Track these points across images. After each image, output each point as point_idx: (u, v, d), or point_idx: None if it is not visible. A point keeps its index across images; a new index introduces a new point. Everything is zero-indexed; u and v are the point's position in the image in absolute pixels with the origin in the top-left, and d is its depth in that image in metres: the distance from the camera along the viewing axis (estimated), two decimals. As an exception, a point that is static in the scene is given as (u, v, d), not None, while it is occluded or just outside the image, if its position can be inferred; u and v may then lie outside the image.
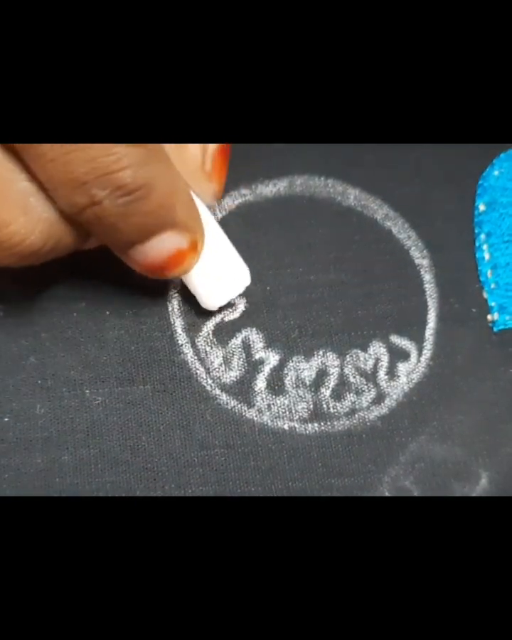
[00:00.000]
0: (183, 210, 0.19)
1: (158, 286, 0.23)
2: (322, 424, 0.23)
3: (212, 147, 0.22)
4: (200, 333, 0.23)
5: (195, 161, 0.21)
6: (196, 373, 0.23)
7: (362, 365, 0.24)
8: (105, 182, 0.17)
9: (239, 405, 0.23)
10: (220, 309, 0.23)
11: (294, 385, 0.23)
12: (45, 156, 0.17)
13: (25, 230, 0.18)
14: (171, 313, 0.23)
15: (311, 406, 0.23)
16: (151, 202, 0.18)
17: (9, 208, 0.18)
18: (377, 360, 0.24)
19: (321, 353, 0.24)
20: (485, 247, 0.25)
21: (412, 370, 0.24)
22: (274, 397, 0.23)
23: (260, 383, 0.23)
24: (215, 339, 0.23)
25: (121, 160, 0.17)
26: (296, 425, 0.23)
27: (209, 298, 0.22)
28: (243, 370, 0.23)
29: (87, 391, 0.23)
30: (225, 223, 0.23)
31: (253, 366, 0.23)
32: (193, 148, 0.21)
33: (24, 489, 0.22)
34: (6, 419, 0.22)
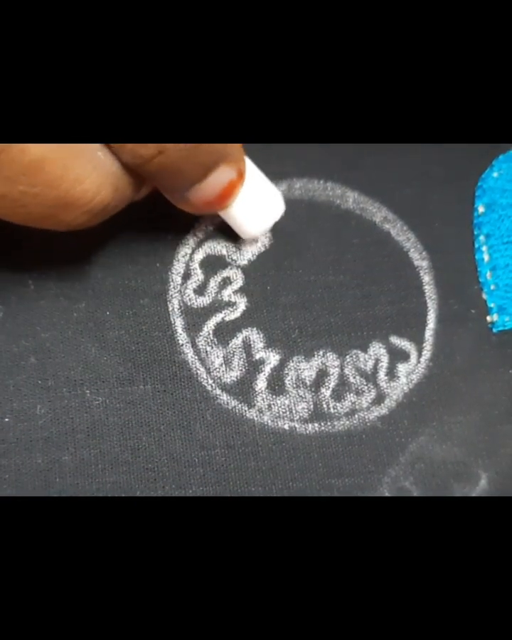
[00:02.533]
0: (230, 145, 0.20)
1: (159, 286, 0.23)
2: (322, 424, 0.23)
3: None
4: (201, 333, 0.23)
5: None
6: (197, 373, 0.23)
7: (362, 366, 0.24)
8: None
9: (239, 405, 0.23)
10: (221, 308, 0.23)
11: (295, 385, 0.23)
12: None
13: (97, 185, 0.18)
14: (171, 313, 0.23)
15: (312, 406, 0.23)
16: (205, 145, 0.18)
17: (82, 164, 0.17)
18: (377, 360, 0.24)
19: (321, 353, 0.24)
20: (484, 248, 0.25)
21: (411, 371, 0.24)
22: (274, 397, 0.23)
23: (261, 383, 0.23)
24: (215, 339, 0.23)
25: None
26: (297, 425, 0.23)
27: (251, 226, 0.23)
28: (244, 370, 0.23)
29: (88, 391, 0.22)
30: (226, 225, 0.23)
31: (254, 366, 0.23)
32: None
33: (24, 489, 0.22)
34: (7, 420, 0.22)
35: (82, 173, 0.17)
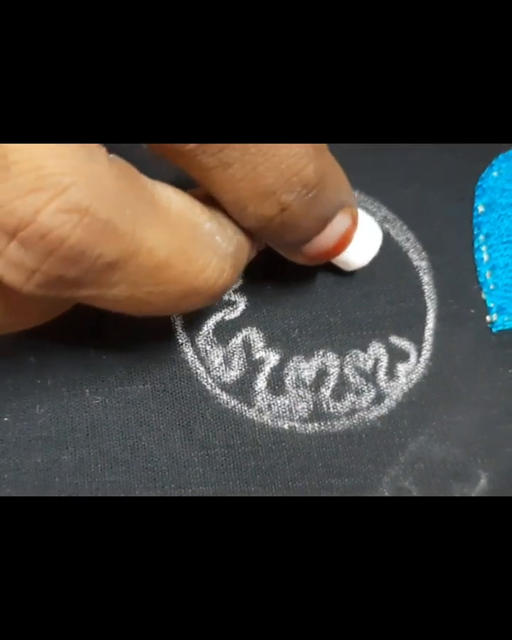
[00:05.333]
0: (345, 187, 0.19)
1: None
2: (322, 424, 0.23)
3: None
4: (201, 332, 0.23)
5: None
6: (196, 373, 0.23)
7: (362, 366, 0.24)
8: (293, 184, 0.17)
9: (239, 405, 0.23)
10: (221, 308, 0.23)
11: (294, 385, 0.23)
12: (235, 177, 0.16)
13: (219, 270, 0.17)
14: None
15: (311, 406, 0.23)
16: (328, 190, 0.18)
17: (203, 253, 0.17)
18: (377, 360, 0.24)
19: (321, 353, 0.24)
20: (484, 248, 0.25)
21: (411, 371, 0.24)
22: (274, 396, 0.23)
23: (260, 383, 0.23)
24: (215, 338, 0.23)
25: (303, 158, 0.17)
26: (296, 425, 0.23)
27: (358, 257, 0.22)
28: (243, 369, 0.23)
29: (87, 390, 0.22)
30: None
31: (253, 366, 0.23)
32: None
33: (24, 489, 0.22)
34: (6, 419, 0.22)
35: (204, 263, 0.17)
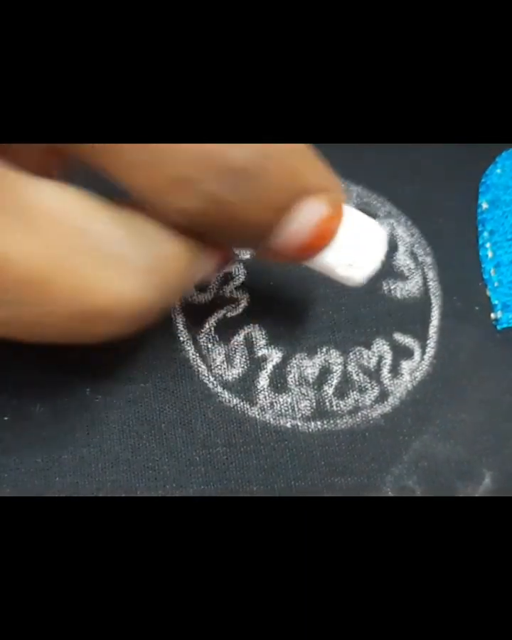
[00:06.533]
0: (311, 169, 0.16)
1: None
2: (325, 422, 0.23)
3: None
4: (202, 330, 0.23)
5: None
6: (198, 371, 0.23)
7: (365, 363, 0.23)
8: (214, 170, 0.14)
9: (241, 403, 0.23)
10: (222, 305, 0.23)
11: (297, 383, 0.23)
12: (134, 161, 0.14)
13: (131, 286, 0.14)
14: (172, 309, 0.23)
15: (314, 404, 0.23)
16: (275, 174, 0.15)
17: (99, 266, 0.14)
18: (381, 357, 0.24)
19: (324, 350, 0.23)
20: (488, 245, 0.25)
21: (415, 368, 0.24)
22: (276, 394, 0.23)
23: (263, 381, 0.23)
24: (217, 336, 0.23)
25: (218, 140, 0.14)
26: (299, 423, 0.23)
27: (356, 271, 0.19)
28: (245, 367, 0.23)
29: (87, 389, 0.22)
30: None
31: (256, 363, 0.23)
32: None
33: (24, 488, 0.22)
34: (6, 418, 0.22)
35: (103, 278, 0.14)
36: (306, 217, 0.16)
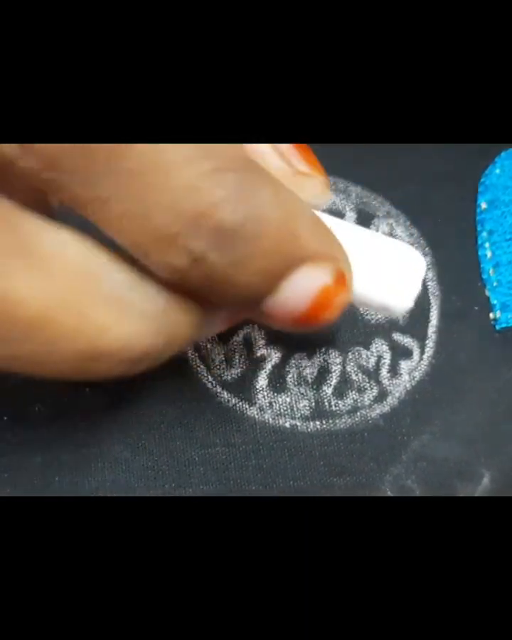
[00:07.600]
0: (310, 234, 0.15)
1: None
2: (324, 422, 0.23)
3: (282, 146, 0.18)
4: (201, 330, 0.23)
5: (281, 169, 0.18)
6: (197, 371, 0.23)
7: (364, 363, 0.23)
8: (201, 228, 0.13)
9: (240, 403, 0.23)
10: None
11: (296, 383, 0.23)
12: (116, 215, 0.14)
13: (130, 330, 0.14)
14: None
15: (313, 404, 0.23)
16: (270, 237, 0.14)
17: (102, 309, 0.14)
18: (380, 357, 0.24)
19: (323, 350, 0.23)
20: (487, 245, 0.25)
21: (414, 368, 0.24)
22: (275, 394, 0.23)
23: (262, 381, 0.23)
24: (216, 336, 0.23)
25: (210, 192, 0.13)
26: (298, 423, 0.23)
27: (397, 302, 0.18)
28: (244, 367, 0.23)
29: (87, 389, 0.22)
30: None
31: (255, 363, 0.23)
32: (269, 157, 0.18)
33: (23, 488, 0.22)
34: (6, 418, 0.22)
35: (106, 320, 0.14)
36: (303, 286, 0.15)
